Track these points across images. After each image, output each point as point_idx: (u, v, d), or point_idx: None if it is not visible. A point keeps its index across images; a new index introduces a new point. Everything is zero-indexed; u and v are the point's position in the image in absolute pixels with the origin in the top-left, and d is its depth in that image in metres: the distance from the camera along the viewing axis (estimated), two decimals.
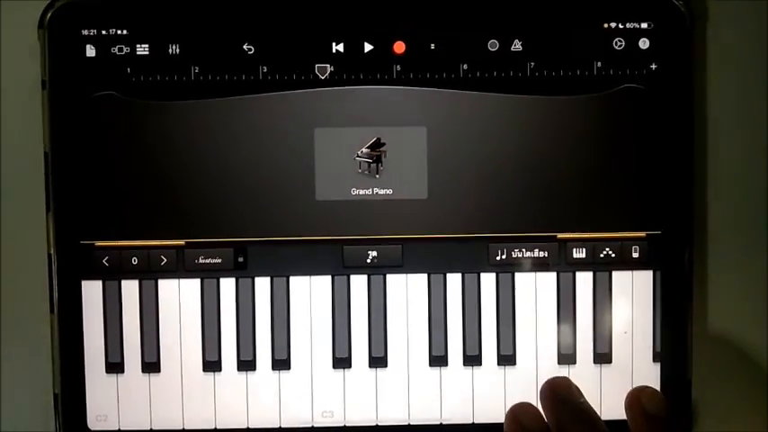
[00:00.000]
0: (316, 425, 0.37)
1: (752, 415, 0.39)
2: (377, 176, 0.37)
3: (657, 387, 0.37)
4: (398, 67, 0.37)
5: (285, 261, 0.37)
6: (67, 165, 0.36)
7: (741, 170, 0.39)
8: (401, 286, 0.37)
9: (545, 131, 0.37)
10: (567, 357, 0.37)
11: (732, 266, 0.39)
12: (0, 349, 0.38)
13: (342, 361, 0.37)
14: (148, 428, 0.37)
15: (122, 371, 0.37)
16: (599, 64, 0.37)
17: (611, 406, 0.37)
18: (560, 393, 0.35)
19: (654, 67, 0.37)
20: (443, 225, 0.37)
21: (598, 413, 0.35)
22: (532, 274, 0.37)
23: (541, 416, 0.34)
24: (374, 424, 0.37)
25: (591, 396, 0.37)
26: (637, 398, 0.34)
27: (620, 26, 0.37)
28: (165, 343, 0.37)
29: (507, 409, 0.35)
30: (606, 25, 0.37)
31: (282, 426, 0.37)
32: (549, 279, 0.37)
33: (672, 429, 0.33)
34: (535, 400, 0.37)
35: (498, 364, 0.38)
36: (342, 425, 0.37)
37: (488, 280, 0.37)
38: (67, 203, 0.36)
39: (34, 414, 0.38)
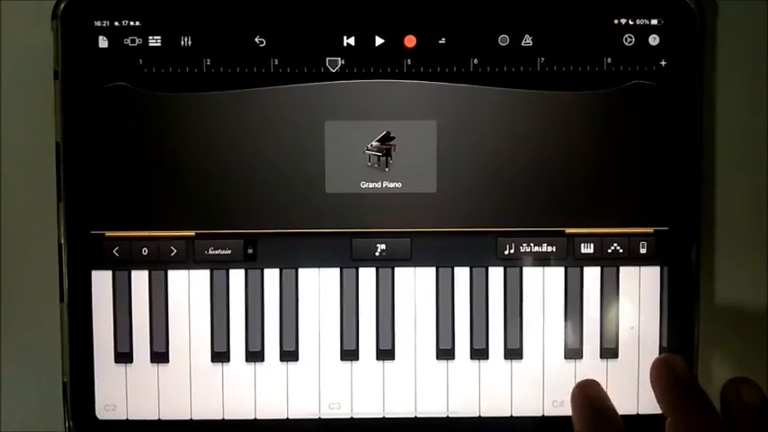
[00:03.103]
0: (323, 416, 0.38)
1: None
2: (386, 170, 0.37)
3: None
4: (409, 61, 0.37)
5: (294, 253, 0.37)
6: (79, 155, 0.36)
7: (749, 167, 0.39)
8: (409, 279, 0.38)
9: (554, 127, 0.37)
10: (573, 352, 0.37)
11: (739, 262, 0.39)
12: (9, 338, 0.39)
13: (349, 353, 0.38)
14: (156, 418, 0.37)
15: (131, 361, 0.37)
16: (609, 60, 0.37)
17: (616, 401, 0.37)
18: (678, 371, 0.34)
19: (663, 63, 0.37)
20: (452, 219, 0.37)
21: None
22: (540, 268, 0.37)
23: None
24: (381, 416, 0.38)
25: None
26: (737, 389, 0.33)
27: (631, 22, 0.37)
28: (173, 333, 0.37)
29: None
30: (616, 21, 0.37)
31: (290, 417, 0.37)
32: (556, 274, 0.38)
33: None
34: (540, 395, 0.37)
35: (505, 357, 0.38)
36: (349, 417, 0.38)
37: (496, 274, 0.38)
38: (78, 193, 0.37)
39: (43, 403, 0.39)
